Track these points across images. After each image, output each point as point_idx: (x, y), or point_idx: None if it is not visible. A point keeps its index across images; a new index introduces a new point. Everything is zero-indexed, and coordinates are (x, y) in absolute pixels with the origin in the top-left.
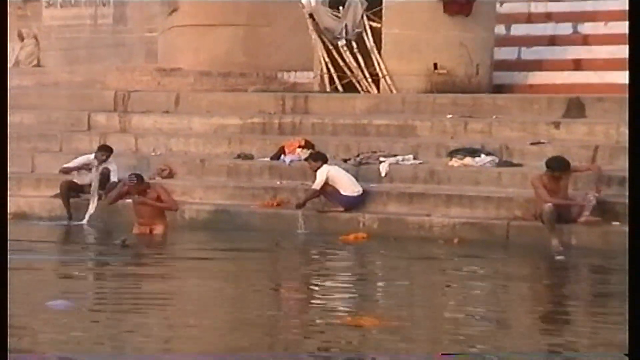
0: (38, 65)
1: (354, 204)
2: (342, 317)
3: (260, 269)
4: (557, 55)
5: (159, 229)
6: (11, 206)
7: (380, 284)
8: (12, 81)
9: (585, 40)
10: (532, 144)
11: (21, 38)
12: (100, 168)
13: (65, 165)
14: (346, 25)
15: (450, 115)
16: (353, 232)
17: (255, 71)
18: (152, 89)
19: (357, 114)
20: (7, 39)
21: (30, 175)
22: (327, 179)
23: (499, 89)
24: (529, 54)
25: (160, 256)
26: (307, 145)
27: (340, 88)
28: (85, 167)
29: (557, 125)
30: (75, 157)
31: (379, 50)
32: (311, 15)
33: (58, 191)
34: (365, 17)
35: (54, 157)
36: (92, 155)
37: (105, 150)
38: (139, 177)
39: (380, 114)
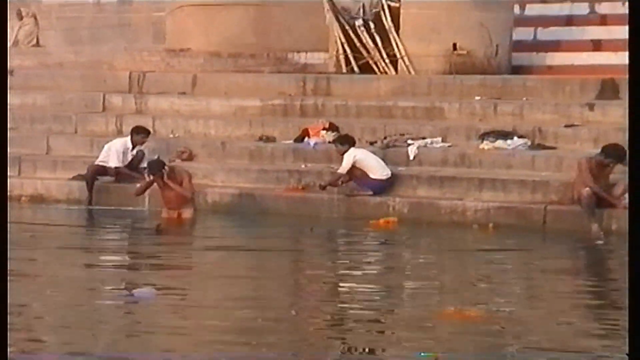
0: (37, 45)
1: (383, 188)
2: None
3: (297, 259)
4: (574, 36)
5: (187, 213)
6: (28, 189)
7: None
8: (12, 61)
9: (603, 21)
10: (566, 126)
11: (20, 17)
12: (135, 151)
13: (100, 162)
14: (363, 5)
15: (478, 97)
16: (383, 216)
17: (266, 52)
18: (163, 71)
19: (381, 95)
20: (7, 39)
21: (45, 157)
22: (354, 162)
23: (517, 70)
24: (546, 35)
25: (189, 245)
26: (332, 127)
27: (356, 69)
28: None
29: (591, 107)
30: (92, 141)
31: (397, 30)
32: None
33: (78, 173)
34: None
35: (69, 139)
36: (125, 139)
37: (143, 133)
38: (161, 164)
39: (405, 96)
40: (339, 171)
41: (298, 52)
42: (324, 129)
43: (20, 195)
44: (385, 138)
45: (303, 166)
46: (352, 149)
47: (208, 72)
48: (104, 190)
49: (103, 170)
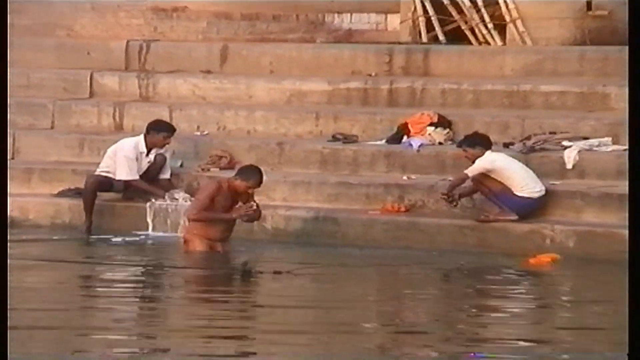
0: None
1: (532, 209)
2: None
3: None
4: None
5: (227, 245)
6: None
7: None
8: None
9: None
10: None
11: None
12: (152, 155)
13: (103, 171)
14: None
15: None
16: (536, 251)
17: (294, 13)
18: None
19: (508, 75)
20: (7, 39)
21: (12, 163)
22: (492, 171)
23: None
24: None
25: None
26: (442, 121)
27: (441, 37)
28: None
29: None
30: (81, 140)
31: None
32: None
33: (68, 187)
34: None
35: (46, 137)
36: (137, 140)
37: (165, 130)
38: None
39: (546, 76)
40: (465, 171)
41: (339, 13)
42: (431, 123)
43: None
44: (527, 138)
45: (405, 177)
46: (489, 154)
47: (239, 41)
48: (108, 212)
49: (107, 183)
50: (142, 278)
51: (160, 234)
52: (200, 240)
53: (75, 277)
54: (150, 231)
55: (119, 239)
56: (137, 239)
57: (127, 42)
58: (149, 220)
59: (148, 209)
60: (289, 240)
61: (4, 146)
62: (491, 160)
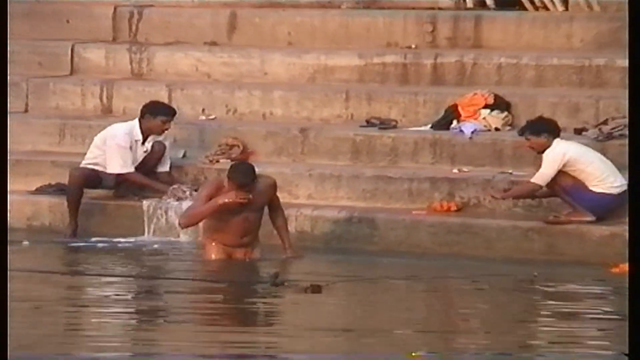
0: None
1: (613, 208)
2: None
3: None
4: None
5: (257, 252)
6: None
7: None
8: None
9: None
10: None
11: None
12: (149, 144)
13: (90, 164)
14: None
15: None
16: (619, 259)
17: None
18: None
19: (577, 47)
20: (7, 39)
21: None
22: (564, 164)
23: None
24: None
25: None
26: (499, 103)
27: (490, 2)
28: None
29: None
30: (61, 125)
31: None
32: None
33: (48, 183)
34: None
35: (19, 122)
36: (130, 125)
37: (163, 114)
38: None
39: (622, 48)
40: (534, 180)
41: None
42: (485, 105)
43: None
44: (604, 123)
45: (455, 170)
46: (558, 142)
47: (246, 7)
48: (98, 211)
49: (95, 178)
50: (138, 293)
51: (160, 238)
52: (216, 247)
53: (57, 293)
54: (147, 235)
55: (109, 245)
56: (132, 244)
57: (115, 7)
58: (146, 222)
59: (145, 209)
60: (316, 245)
61: (4, 148)
62: (564, 152)
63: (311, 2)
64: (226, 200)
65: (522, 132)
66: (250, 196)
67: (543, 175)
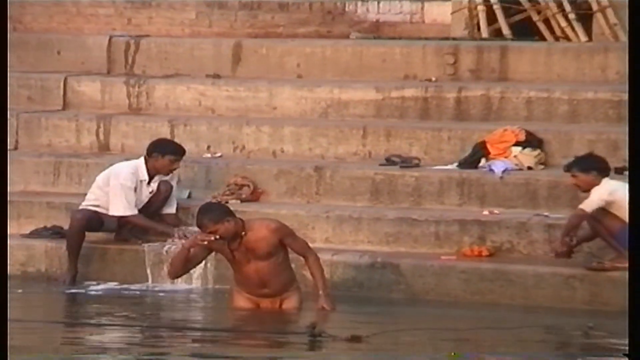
0: None
1: None
2: None
3: None
4: None
5: (293, 301)
6: None
7: None
8: None
9: None
10: None
11: None
12: (155, 184)
13: (91, 205)
14: None
15: None
16: None
17: (307, 0)
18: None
19: (613, 80)
20: (7, 38)
21: None
22: (610, 203)
23: None
24: None
25: None
26: (531, 140)
27: (506, 31)
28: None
29: None
30: (56, 164)
31: None
32: None
33: (44, 226)
34: None
35: (9, 159)
36: (135, 164)
37: (172, 153)
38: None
39: None
40: (581, 206)
41: (362, 0)
42: (517, 142)
43: None
44: None
45: (485, 212)
46: (607, 181)
47: (247, 36)
48: (98, 257)
49: (97, 221)
50: (143, 344)
51: (164, 286)
52: (241, 295)
53: (54, 344)
54: (150, 282)
55: (111, 292)
56: (136, 292)
57: (110, 37)
58: (148, 267)
59: (146, 253)
60: (336, 293)
61: (4, 148)
62: (610, 190)
63: (304, 31)
64: (188, 243)
65: (568, 168)
66: (213, 237)
67: (589, 204)
